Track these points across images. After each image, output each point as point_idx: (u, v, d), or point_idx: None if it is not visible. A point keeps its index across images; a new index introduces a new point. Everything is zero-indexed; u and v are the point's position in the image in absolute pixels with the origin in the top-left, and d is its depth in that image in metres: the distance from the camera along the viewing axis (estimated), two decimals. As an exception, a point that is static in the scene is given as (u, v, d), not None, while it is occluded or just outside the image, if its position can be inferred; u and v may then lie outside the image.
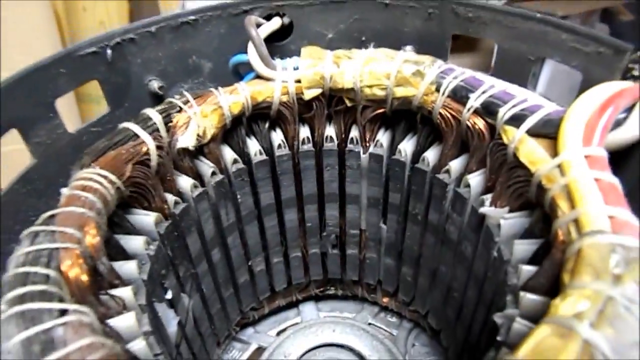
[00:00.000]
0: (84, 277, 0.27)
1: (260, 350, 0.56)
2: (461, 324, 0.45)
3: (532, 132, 0.33)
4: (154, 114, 0.38)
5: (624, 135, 0.32)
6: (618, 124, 0.32)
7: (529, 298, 0.29)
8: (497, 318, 0.30)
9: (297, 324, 0.59)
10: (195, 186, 0.41)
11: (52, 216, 0.30)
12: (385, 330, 0.58)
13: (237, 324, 0.57)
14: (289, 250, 0.53)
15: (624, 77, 0.36)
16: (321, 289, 0.61)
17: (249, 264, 0.51)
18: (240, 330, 0.59)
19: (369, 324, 0.59)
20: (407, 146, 0.44)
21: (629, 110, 0.32)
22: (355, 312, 0.61)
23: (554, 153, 0.31)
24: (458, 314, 0.45)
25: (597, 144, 0.30)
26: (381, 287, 0.57)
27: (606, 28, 1.61)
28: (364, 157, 0.46)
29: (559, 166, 0.30)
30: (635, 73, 0.35)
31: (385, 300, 0.59)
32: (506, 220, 0.35)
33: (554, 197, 0.29)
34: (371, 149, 0.45)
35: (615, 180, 0.28)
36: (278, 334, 0.58)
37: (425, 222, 0.45)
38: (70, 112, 1.10)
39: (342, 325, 0.55)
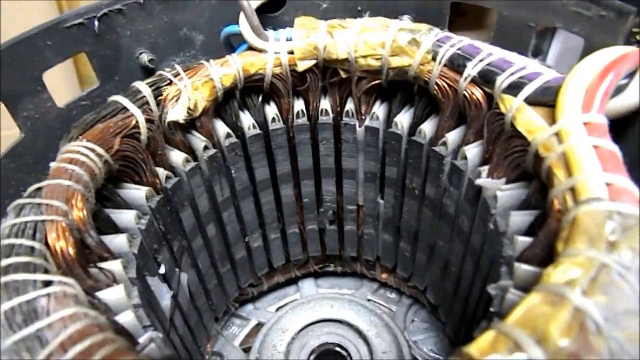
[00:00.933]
0: (71, 250, 0.27)
1: (259, 326, 0.56)
2: (458, 299, 0.45)
3: (531, 101, 0.32)
4: (143, 87, 0.38)
5: (625, 101, 0.30)
6: (620, 90, 0.31)
7: (523, 269, 0.28)
8: (491, 289, 0.30)
9: (296, 300, 0.59)
10: (188, 160, 0.41)
11: (39, 189, 0.29)
12: (385, 306, 0.58)
13: (236, 300, 0.57)
14: (286, 227, 0.53)
15: (628, 42, 0.35)
16: (320, 266, 0.60)
17: (246, 240, 0.51)
18: (240, 306, 0.59)
19: (368, 300, 0.59)
20: (403, 118, 0.43)
21: (631, 75, 0.31)
22: (355, 288, 0.61)
23: (553, 121, 0.30)
24: (455, 288, 0.45)
25: (597, 111, 0.29)
26: (380, 263, 0.57)
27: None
28: (360, 130, 0.45)
29: (557, 134, 0.29)
30: (639, 37, 0.33)
31: (384, 276, 0.58)
32: (503, 192, 0.34)
33: (550, 166, 0.28)
34: (367, 122, 0.44)
35: (614, 148, 0.27)
36: (277, 310, 0.58)
37: (422, 196, 0.45)
38: (73, 94, 1.09)
39: (340, 301, 0.55)
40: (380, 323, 0.52)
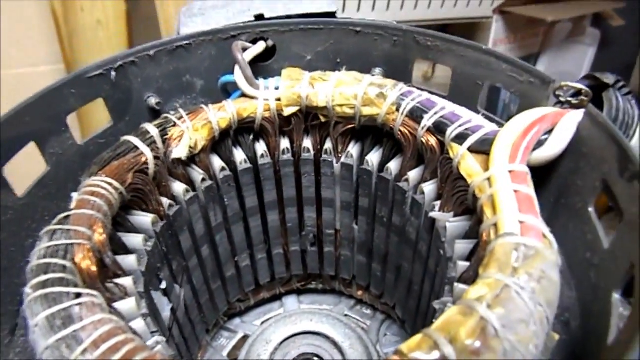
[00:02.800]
0: (93, 268, 0.33)
1: (245, 338, 0.62)
2: (420, 315, 0.51)
3: (473, 149, 0.40)
4: (152, 128, 0.44)
5: (544, 153, 0.38)
6: (540, 144, 0.38)
7: (460, 288, 0.35)
8: (436, 304, 0.36)
9: (279, 314, 0.65)
10: (187, 191, 0.47)
11: (67, 217, 0.36)
12: (360, 321, 0.65)
13: (225, 314, 0.63)
14: (271, 248, 0.59)
15: (556, 102, 0.42)
16: (302, 283, 0.67)
17: (235, 259, 0.57)
18: (229, 320, 0.65)
19: (346, 315, 0.65)
20: (373, 157, 0.50)
21: (550, 132, 0.38)
22: (334, 304, 0.67)
23: (487, 168, 0.38)
24: (418, 305, 0.51)
25: (520, 162, 0.36)
26: (356, 282, 0.63)
27: (598, 33, 1.67)
28: (337, 166, 0.52)
29: (488, 179, 0.36)
30: (563, 100, 0.41)
31: (360, 293, 0.65)
32: (451, 223, 0.41)
33: (482, 205, 0.36)
34: (343, 159, 0.51)
35: (530, 192, 0.34)
36: (262, 323, 0.64)
37: (389, 224, 0.52)
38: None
39: (319, 316, 0.61)
40: (354, 335, 0.58)
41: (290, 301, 0.68)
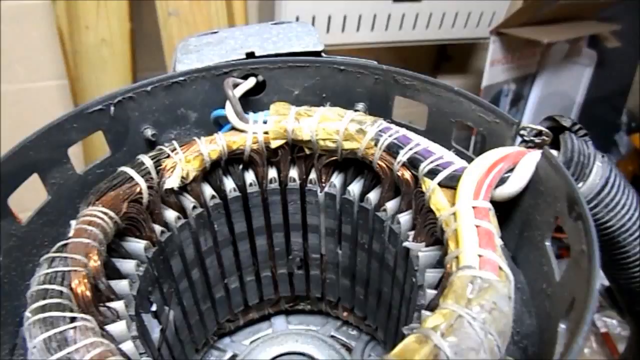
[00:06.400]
0: (88, 293, 0.36)
1: (234, 357, 0.65)
2: (399, 337, 0.54)
3: (442, 184, 0.43)
4: (146, 159, 0.47)
5: (506, 190, 0.41)
6: (503, 181, 0.41)
7: (426, 315, 0.38)
8: (405, 330, 0.39)
9: (267, 334, 0.67)
10: (179, 218, 0.50)
11: (65, 245, 0.39)
12: (346, 342, 0.67)
13: (215, 333, 0.65)
14: (260, 270, 0.62)
15: (521, 141, 0.46)
16: (291, 304, 0.69)
17: (225, 281, 0.60)
18: (219, 339, 0.68)
19: (332, 336, 0.68)
20: (355, 188, 0.53)
21: (512, 170, 0.41)
22: (321, 325, 0.70)
23: (454, 202, 0.41)
24: (396, 329, 0.54)
25: (483, 198, 0.39)
26: (341, 304, 0.66)
27: (594, 54, 1.71)
28: (321, 195, 0.55)
29: (454, 214, 0.39)
30: (527, 139, 0.44)
31: (345, 314, 0.67)
32: (423, 253, 0.44)
33: (447, 238, 0.39)
34: (326, 189, 0.54)
35: (490, 227, 0.37)
36: (250, 343, 0.66)
37: (370, 250, 0.55)
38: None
39: (304, 337, 0.63)
40: (337, 356, 0.61)
41: (279, 321, 0.70)
